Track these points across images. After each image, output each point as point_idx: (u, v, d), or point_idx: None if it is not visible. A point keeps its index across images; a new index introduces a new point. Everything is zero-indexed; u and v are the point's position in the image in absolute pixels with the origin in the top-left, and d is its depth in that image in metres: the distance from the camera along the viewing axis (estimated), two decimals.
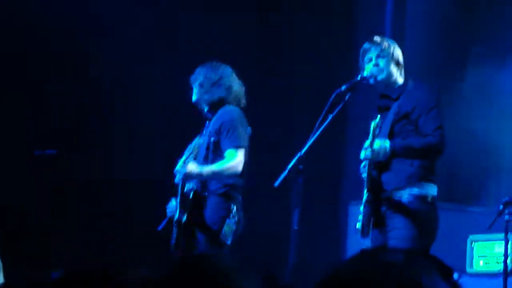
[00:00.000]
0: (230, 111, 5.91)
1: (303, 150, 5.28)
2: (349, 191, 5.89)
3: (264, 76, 8.02)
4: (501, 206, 5.63)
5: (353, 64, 5.73)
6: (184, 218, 5.77)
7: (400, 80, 5.45)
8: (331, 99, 5.34)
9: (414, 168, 5.21)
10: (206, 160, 5.82)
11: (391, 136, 5.23)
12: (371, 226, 5.24)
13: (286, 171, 5.22)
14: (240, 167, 5.78)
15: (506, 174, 7.91)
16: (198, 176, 5.78)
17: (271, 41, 8.22)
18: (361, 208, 5.28)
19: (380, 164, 5.22)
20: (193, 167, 5.74)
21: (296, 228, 5.35)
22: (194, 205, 5.81)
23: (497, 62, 7.85)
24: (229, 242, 5.72)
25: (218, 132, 5.85)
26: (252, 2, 8.37)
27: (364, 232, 5.26)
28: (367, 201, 5.22)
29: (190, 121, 6.26)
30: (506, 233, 5.64)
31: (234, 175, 5.79)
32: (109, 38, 7.70)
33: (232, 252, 5.68)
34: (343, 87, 5.36)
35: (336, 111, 5.38)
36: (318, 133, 5.42)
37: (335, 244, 7.51)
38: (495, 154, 8.36)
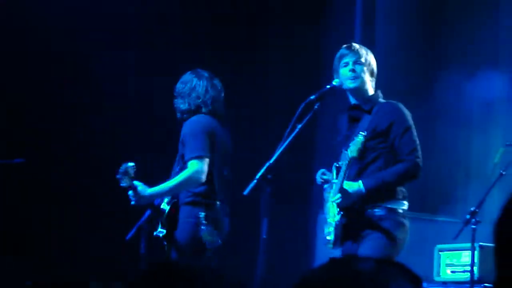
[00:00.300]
0: (192, 121, 5.81)
1: (272, 159, 5.28)
2: (318, 201, 5.90)
3: (232, 81, 8.04)
4: (468, 216, 5.67)
5: (321, 76, 5.75)
6: (163, 232, 5.73)
7: (371, 90, 5.46)
8: (300, 109, 5.35)
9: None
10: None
11: (363, 152, 5.19)
12: (341, 237, 5.27)
13: (255, 180, 5.22)
14: (201, 177, 5.68)
15: (473, 184, 7.97)
16: (151, 198, 5.69)
17: (241, 46, 8.24)
18: (333, 220, 5.29)
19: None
20: (142, 190, 5.61)
21: (264, 237, 5.35)
22: (169, 218, 5.77)
23: (465, 74, 7.93)
24: (209, 248, 5.69)
25: (182, 144, 5.82)
26: (223, 6, 8.38)
27: (336, 243, 5.28)
28: (341, 214, 5.23)
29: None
30: (473, 242, 5.69)
31: (197, 184, 5.74)
32: (80, 43, 7.68)
33: (209, 260, 5.66)
34: (313, 97, 5.36)
35: (305, 120, 5.39)
36: (287, 142, 5.43)
37: (304, 253, 7.53)
38: (463, 166, 8.43)
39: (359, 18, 8.37)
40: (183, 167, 5.73)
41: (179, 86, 5.95)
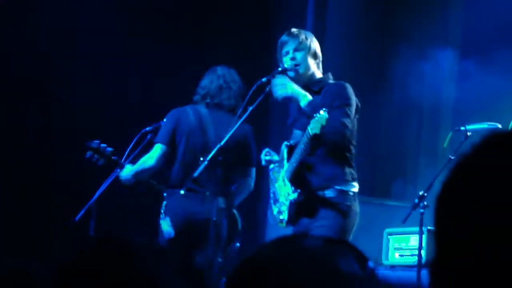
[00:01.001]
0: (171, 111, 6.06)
1: (223, 142, 5.28)
2: (267, 180, 5.92)
3: (180, 69, 8.04)
4: (416, 200, 5.72)
5: (272, 58, 5.75)
6: None
7: (319, 73, 5.46)
8: (251, 91, 5.36)
9: (337, 170, 5.25)
10: None
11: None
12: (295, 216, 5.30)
13: (206, 161, 5.22)
14: (150, 161, 5.88)
15: (422, 169, 8.05)
16: (127, 180, 5.95)
17: (189, 39, 8.24)
18: (285, 198, 5.30)
19: (306, 165, 5.24)
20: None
21: (215, 219, 5.36)
22: None
23: (415, 57, 7.99)
24: (166, 238, 5.72)
25: None
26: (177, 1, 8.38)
27: (290, 222, 5.31)
28: (297, 193, 5.25)
29: None
30: (421, 226, 5.74)
31: (149, 169, 5.90)
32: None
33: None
34: (264, 79, 5.37)
35: (256, 103, 5.40)
36: (238, 124, 5.43)
37: (254, 234, 7.54)
38: (413, 150, 8.51)
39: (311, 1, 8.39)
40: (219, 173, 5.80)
41: None
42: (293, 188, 5.28)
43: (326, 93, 5.32)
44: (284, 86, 5.28)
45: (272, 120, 8.12)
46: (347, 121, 5.18)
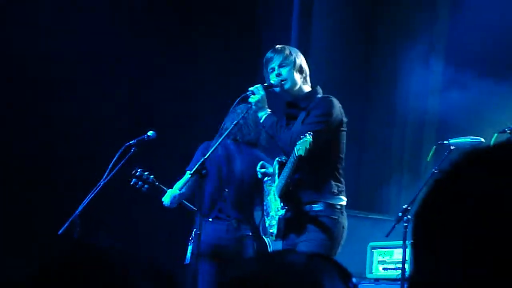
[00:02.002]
0: None
1: (207, 155, 5.29)
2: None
3: (166, 86, 8.09)
4: (400, 213, 5.73)
5: (259, 70, 5.77)
6: None
7: (306, 87, 5.45)
8: (235, 103, 5.37)
9: (325, 184, 5.25)
10: None
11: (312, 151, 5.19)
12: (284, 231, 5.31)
13: (189, 175, 5.22)
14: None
15: (406, 182, 8.07)
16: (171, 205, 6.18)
17: (175, 56, 8.26)
18: (275, 213, 5.31)
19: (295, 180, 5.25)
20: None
21: (198, 232, 5.36)
22: None
23: (396, 74, 8.03)
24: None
25: None
26: (161, 12, 8.39)
27: (278, 236, 5.32)
28: (284, 210, 5.26)
29: None
30: (405, 240, 5.75)
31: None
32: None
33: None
34: (249, 92, 5.37)
35: (241, 115, 5.40)
36: (222, 137, 5.44)
37: None
38: (397, 164, 8.53)
39: (296, 12, 8.41)
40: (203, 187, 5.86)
41: None
42: (282, 204, 5.29)
43: (311, 110, 5.31)
44: (254, 97, 5.34)
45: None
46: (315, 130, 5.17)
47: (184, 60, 8.28)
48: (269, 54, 5.45)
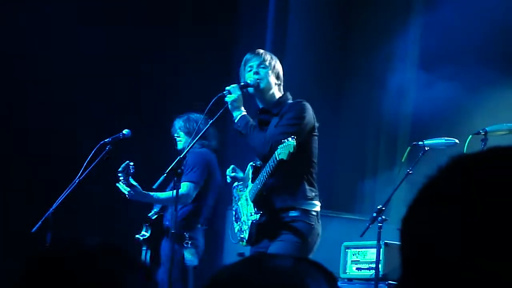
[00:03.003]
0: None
1: (183, 154, 5.28)
2: (227, 196, 5.92)
3: (144, 88, 8.08)
4: (375, 214, 5.76)
5: (233, 71, 5.78)
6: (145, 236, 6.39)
7: (278, 94, 5.46)
8: (211, 102, 5.37)
9: (299, 190, 5.25)
10: None
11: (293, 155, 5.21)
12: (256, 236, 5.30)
13: (165, 174, 5.21)
14: (187, 200, 6.34)
15: (380, 183, 8.10)
16: (142, 198, 6.25)
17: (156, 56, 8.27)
18: (247, 218, 5.31)
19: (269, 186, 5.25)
20: (137, 189, 6.14)
21: (173, 231, 5.35)
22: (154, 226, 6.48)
23: (371, 75, 8.06)
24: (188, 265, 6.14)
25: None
26: (140, 15, 8.37)
27: (250, 241, 5.31)
28: (259, 215, 5.25)
29: None
30: (379, 240, 5.77)
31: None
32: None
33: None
34: (226, 91, 5.38)
35: (216, 116, 5.41)
36: (198, 137, 5.44)
37: (212, 248, 7.53)
38: (370, 164, 8.56)
39: (271, 15, 8.42)
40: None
41: None
42: (255, 209, 5.28)
43: (284, 114, 5.32)
44: (230, 96, 5.34)
45: (230, 134, 8.12)
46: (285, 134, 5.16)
47: (158, 60, 8.27)
48: (249, 55, 5.47)
